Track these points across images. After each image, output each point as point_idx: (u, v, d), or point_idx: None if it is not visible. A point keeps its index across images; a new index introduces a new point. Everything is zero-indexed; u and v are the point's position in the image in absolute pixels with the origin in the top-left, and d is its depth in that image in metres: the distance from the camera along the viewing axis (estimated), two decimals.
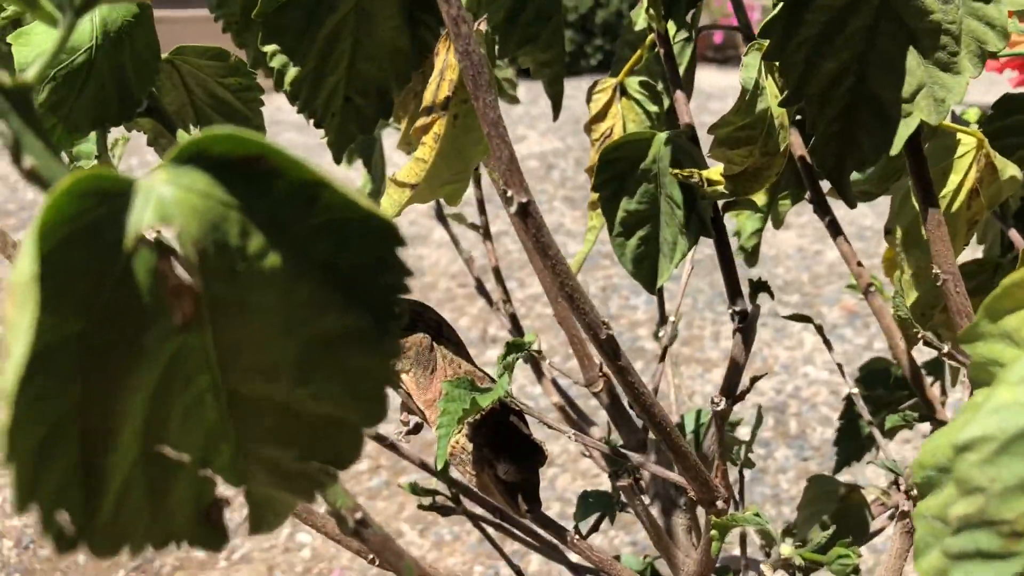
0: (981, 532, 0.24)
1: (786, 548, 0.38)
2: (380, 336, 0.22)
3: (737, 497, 0.61)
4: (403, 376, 0.50)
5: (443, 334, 0.51)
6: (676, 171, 0.49)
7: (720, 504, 0.45)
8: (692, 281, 3.55)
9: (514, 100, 0.86)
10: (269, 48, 0.50)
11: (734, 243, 0.68)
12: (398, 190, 0.41)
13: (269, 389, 0.22)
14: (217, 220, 0.20)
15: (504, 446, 0.48)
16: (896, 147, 0.41)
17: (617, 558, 0.66)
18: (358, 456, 0.24)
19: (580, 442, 0.45)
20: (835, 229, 0.61)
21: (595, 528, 0.58)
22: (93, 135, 0.44)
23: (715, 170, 0.50)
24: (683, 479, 0.44)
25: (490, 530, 0.61)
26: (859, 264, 0.61)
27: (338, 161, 0.56)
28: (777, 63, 0.41)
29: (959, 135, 0.48)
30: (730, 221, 0.68)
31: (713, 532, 0.42)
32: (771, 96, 0.46)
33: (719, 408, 0.41)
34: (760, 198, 0.66)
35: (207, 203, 0.20)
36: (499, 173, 0.34)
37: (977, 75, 0.40)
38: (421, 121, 0.39)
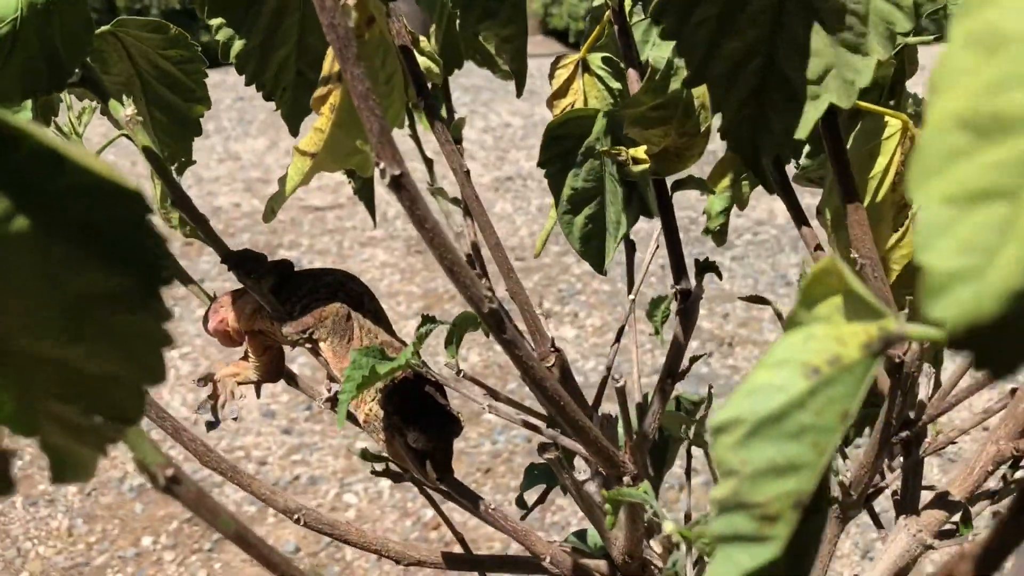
0: (738, 515, 0.24)
1: (668, 525, 0.38)
2: (146, 297, 0.23)
3: (684, 475, 0.61)
4: (321, 345, 0.51)
5: (364, 305, 0.52)
6: (605, 148, 0.49)
7: (627, 480, 0.45)
8: (753, 262, 3.49)
9: (508, 76, 0.86)
10: (215, 21, 0.51)
11: (702, 223, 0.67)
12: (300, 158, 0.41)
13: (39, 346, 0.23)
14: None
15: (415, 415, 0.49)
16: (804, 130, 0.40)
17: (581, 533, 0.66)
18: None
19: (494, 412, 0.46)
20: (798, 216, 0.60)
21: (540, 500, 0.59)
22: (29, 104, 0.46)
23: (641, 149, 0.49)
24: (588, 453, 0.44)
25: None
26: (817, 248, 0.60)
27: (294, 133, 0.57)
28: (676, 43, 0.40)
29: (886, 117, 0.47)
30: (701, 201, 0.67)
31: (606, 506, 0.42)
32: None
33: (618, 385, 0.41)
34: (724, 181, 0.65)
35: None
36: (371, 145, 0.34)
37: (886, 57, 0.38)
38: (319, 92, 0.40)
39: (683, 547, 0.39)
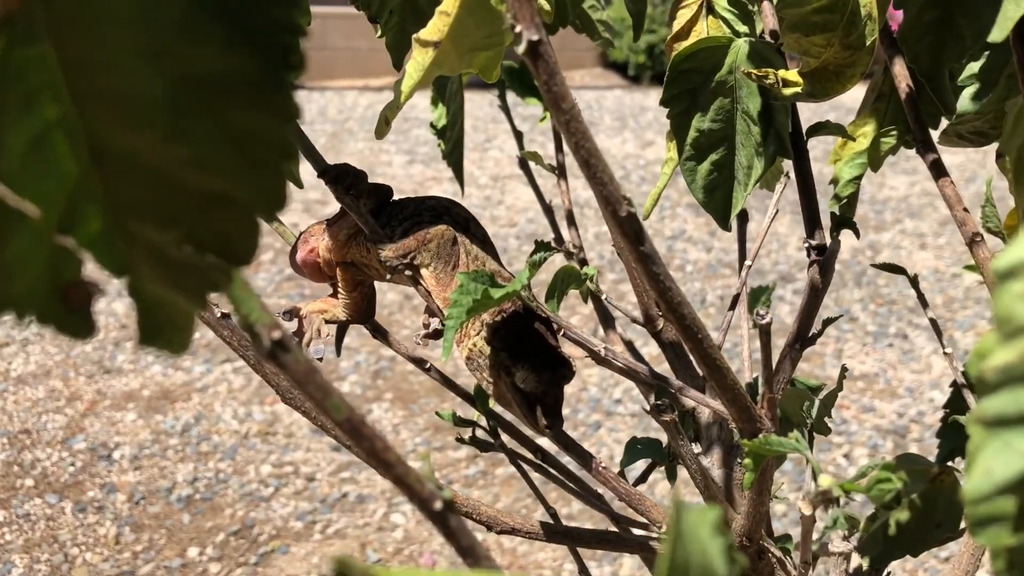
0: None
1: (825, 479, 0.32)
2: (272, 87, 0.18)
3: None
4: (423, 272, 0.46)
5: (470, 229, 0.47)
6: (749, 71, 0.44)
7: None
8: None
9: (608, 44, 0.82)
10: None
11: (829, 192, 0.61)
12: (421, 51, 0.37)
13: (138, 141, 0.18)
14: None
15: (525, 353, 0.44)
16: (1001, 31, 0.35)
17: None
18: (254, 249, 0.20)
19: (611, 357, 0.40)
20: (938, 170, 0.54)
21: (643, 479, 0.53)
22: None
23: (792, 72, 0.44)
24: (723, 407, 0.38)
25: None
26: (965, 210, 0.53)
27: (397, 66, 0.53)
28: None
29: None
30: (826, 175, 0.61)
31: (746, 460, 0.36)
32: None
33: (764, 322, 0.36)
34: (861, 142, 0.59)
35: None
36: (507, 3, 0.30)
37: None
38: None
39: (842, 502, 0.33)
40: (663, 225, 4.00)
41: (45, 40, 0.17)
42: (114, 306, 3.07)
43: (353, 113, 5.52)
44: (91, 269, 0.20)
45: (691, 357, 0.55)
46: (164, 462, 2.37)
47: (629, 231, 0.33)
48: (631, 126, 5.46)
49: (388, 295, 3.30)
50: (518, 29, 0.30)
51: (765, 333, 0.36)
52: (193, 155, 0.19)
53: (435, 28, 0.36)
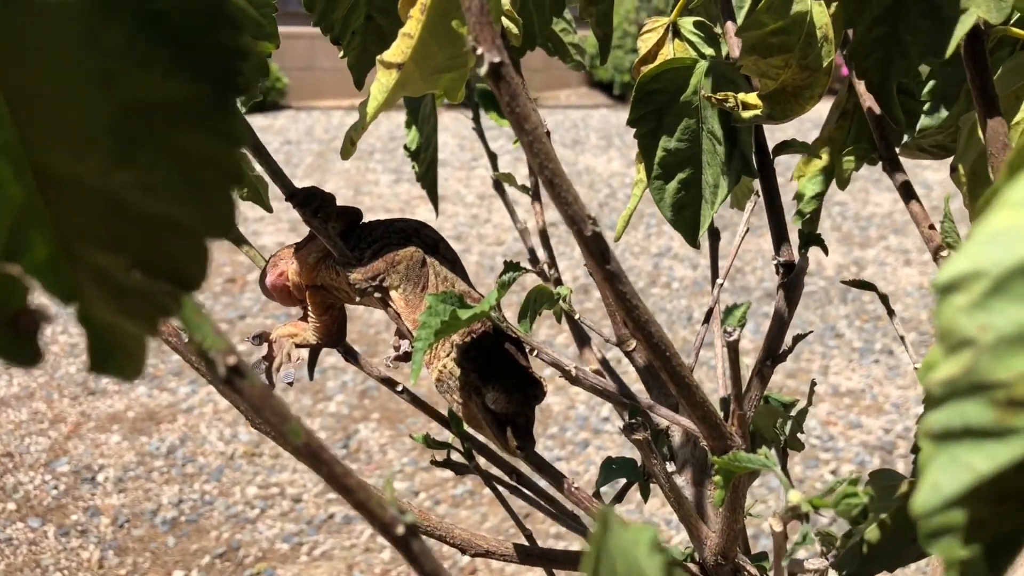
0: (970, 401, 0.18)
1: (794, 495, 0.32)
2: (217, 111, 0.19)
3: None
4: (393, 294, 0.46)
5: (439, 251, 0.47)
6: (709, 95, 0.44)
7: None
8: (801, 312, 3.41)
9: (579, 67, 0.82)
10: None
11: (793, 207, 0.62)
12: (385, 72, 0.37)
13: (84, 166, 0.18)
14: None
15: (495, 374, 0.44)
16: (950, 48, 0.35)
17: None
18: (203, 273, 0.20)
19: (582, 377, 0.40)
20: (907, 191, 0.54)
21: (618, 499, 0.53)
22: None
23: (752, 95, 0.44)
24: (693, 424, 0.38)
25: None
26: (931, 227, 0.54)
27: (359, 86, 0.53)
28: None
29: None
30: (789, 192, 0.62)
31: (716, 478, 0.36)
32: (812, 2, 0.41)
33: (732, 339, 0.36)
34: (824, 159, 0.60)
35: None
36: (468, 26, 0.30)
37: None
38: None
39: (812, 519, 0.33)
40: (649, 242, 4.02)
41: None
42: None
43: (340, 133, 5.52)
44: (39, 297, 0.20)
45: (679, 400, 0.55)
46: (149, 484, 2.35)
47: (595, 250, 0.33)
48: (617, 145, 5.48)
49: (375, 314, 3.30)
50: (480, 51, 0.30)
51: (733, 350, 0.36)
52: (139, 180, 0.19)
53: (398, 50, 0.37)
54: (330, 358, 2.78)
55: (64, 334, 3.02)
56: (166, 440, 2.53)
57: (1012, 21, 0.39)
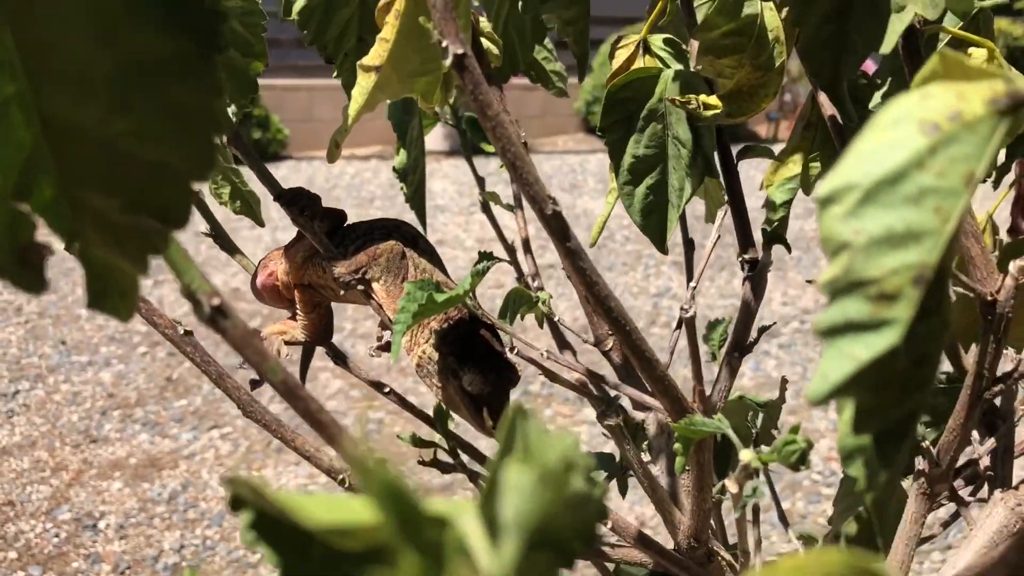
0: (850, 299, 0.21)
1: (745, 453, 0.34)
2: (202, 65, 0.22)
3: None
4: (375, 286, 0.49)
5: (419, 245, 0.50)
6: (672, 97, 0.47)
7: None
8: (800, 349, 3.42)
9: (562, 93, 0.86)
10: None
11: (762, 217, 0.65)
12: (364, 75, 0.40)
13: (85, 114, 0.21)
14: None
15: (471, 357, 0.46)
16: (888, 43, 0.39)
17: None
18: (187, 212, 0.23)
19: (553, 360, 0.43)
20: None
21: None
22: None
23: (713, 96, 0.48)
24: (655, 399, 0.41)
25: None
26: None
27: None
28: None
29: (970, 49, 0.45)
30: (759, 198, 0.65)
31: (676, 445, 0.38)
32: (764, 6, 0.44)
33: (688, 315, 0.38)
34: (791, 168, 0.63)
35: None
36: (434, 22, 0.33)
37: None
38: (383, 0, 0.39)
39: (762, 477, 0.35)
40: (648, 283, 4.05)
41: (3, 23, 0.20)
42: (101, 375, 3.08)
43: (340, 181, 5.60)
44: (44, 233, 0.23)
45: (639, 373, 0.57)
46: (150, 530, 2.35)
47: (556, 228, 0.36)
48: (611, 179, 5.54)
49: (367, 323, 3.32)
50: (444, 44, 0.33)
51: (690, 327, 0.39)
52: (134, 127, 0.22)
53: (376, 54, 0.40)
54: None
55: (66, 383, 3.04)
56: (168, 486, 2.54)
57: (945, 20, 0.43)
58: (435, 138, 6.23)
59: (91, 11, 0.21)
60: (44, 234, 0.23)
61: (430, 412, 0.58)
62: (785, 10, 0.45)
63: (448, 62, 0.33)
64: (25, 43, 0.20)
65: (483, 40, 0.61)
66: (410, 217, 0.75)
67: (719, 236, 0.63)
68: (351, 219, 0.57)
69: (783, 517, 0.67)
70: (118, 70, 0.21)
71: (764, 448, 0.64)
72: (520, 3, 0.60)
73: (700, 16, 0.58)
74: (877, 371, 0.21)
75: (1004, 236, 0.57)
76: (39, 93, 0.21)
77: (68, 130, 0.22)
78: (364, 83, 0.40)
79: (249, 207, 0.62)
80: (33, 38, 0.20)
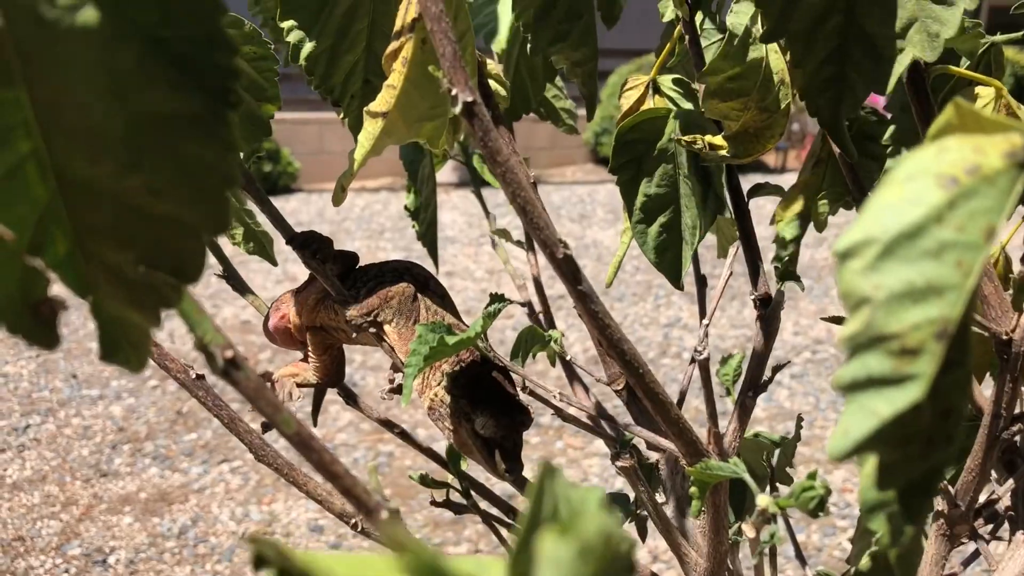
0: (871, 354, 0.21)
1: (763, 499, 0.34)
2: (215, 122, 0.22)
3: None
4: (387, 328, 0.49)
5: (430, 287, 0.50)
6: (678, 137, 0.47)
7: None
8: (813, 380, 3.40)
9: (572, 130, 0.86)
10: (286, 24, 0.52)
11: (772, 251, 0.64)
12: (371, 121, 0.40)
13: (99, 170, 0.21)
14: None
15: (484, 400, 0.46)
16: (889, 85, 0.39)
17: None
18: (201, 267, 0.23)
19: (566, 401, 0.43)
20: None
21: None
22: None
23: (719, 137, 0.48)
24: (669, 441, 0.41)
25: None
26: None
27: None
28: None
29: (977, 89, 0.45)
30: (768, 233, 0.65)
31: (692, 489, 0.38)
32: (769, 49, 0.44)
33: (701, 357, 0.38)
34: (800, 204, 0.63)
35: None
36: (443, 70, 0.33)
37: (973, 7, 0.37)
38: (391, 46, 0.39)
39: (780, 521, 0.35)
40: (659, 313, 4.04)
41: (20, 84, 0.20)
42: (111, 409, 3.08)
43: (350, 214, 5.62)
44: (58, 289, 0.23)
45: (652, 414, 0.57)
46: (160, 565, 2.34)
47: (567, 271, 0.36)
48: (623, 218, 5.55)
49: (377, 354, 3.31)
50: (454, 92, 0.34)
51: (704, 368, 0.39)
52: (147, 183, 0.22)
53: (383, 100, 0.40)
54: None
55: (77, 417, 3.04)
56: (178, 521, 2.53)
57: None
58: (444, 170, 6.24)
59: (105, 69, 0.21)
60: (56, 287, 0.23)
61: (442, 448, 0.58)
62: (789, 53, 0.46)
63: (458, 109, 0.34)
64: (40, 100, 0.20)
65: (490, 82, 0.61)
66: (420, 248, 0.75)
67: (731, 273, 0.63)
68: (361, 250, 0.57)
69: (800, 555, 0.66)
70: (131, 127, 0.21)
71: (780, 487, 0.64)
72: (528, 46, 0.61)
73: (708, 57, 0.58)
74: (900, 426, 0.20)
75: (1017, 265, 0.57)
76: (54, 150, 0.21)
77: (82, 186, 0.22)
78: (371, 129, 0.40)
79: (262, 247, 0.62)
80: (48, 96, 0.20)
